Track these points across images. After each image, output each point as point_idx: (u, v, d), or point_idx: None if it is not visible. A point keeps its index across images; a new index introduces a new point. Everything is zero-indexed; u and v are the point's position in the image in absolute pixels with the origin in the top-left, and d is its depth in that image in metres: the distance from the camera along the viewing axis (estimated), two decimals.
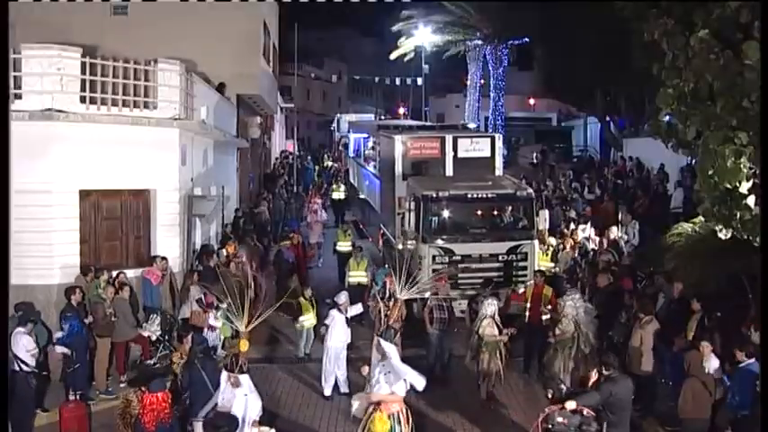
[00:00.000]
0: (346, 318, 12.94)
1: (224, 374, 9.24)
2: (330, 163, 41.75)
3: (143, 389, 9.24)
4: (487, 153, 18.27)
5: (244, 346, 9.15)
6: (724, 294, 12.64)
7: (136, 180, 14.78)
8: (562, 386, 11.37)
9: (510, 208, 16.26)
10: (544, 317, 13.50)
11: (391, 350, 9.50)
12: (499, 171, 18.32)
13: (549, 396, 9.13)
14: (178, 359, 10.76)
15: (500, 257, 15.47)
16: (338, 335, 12.77)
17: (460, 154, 18.09)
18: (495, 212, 16.38)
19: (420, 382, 9.43)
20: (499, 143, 18.74)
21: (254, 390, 9.20)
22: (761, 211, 11.59)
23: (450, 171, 18.00)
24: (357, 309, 13.35)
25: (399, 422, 9.34)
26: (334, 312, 12.95)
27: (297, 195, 29.39)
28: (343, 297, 13.15)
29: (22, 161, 12.52)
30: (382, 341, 9.61)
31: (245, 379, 9.09)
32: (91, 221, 14.34)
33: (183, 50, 17.84)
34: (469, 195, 15.90)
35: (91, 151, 13.89)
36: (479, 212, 16.31)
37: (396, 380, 9.36)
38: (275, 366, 14.29)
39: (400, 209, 17.17)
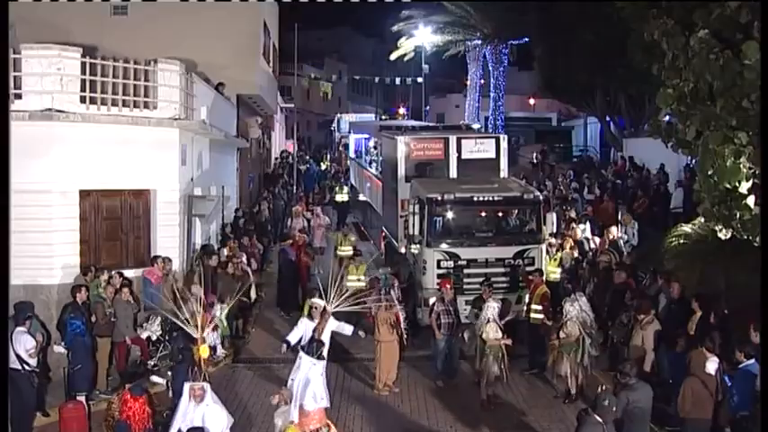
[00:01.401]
0: None
1: (186, 388, 8.45)
2: (328, 164, 41.65)
3: (126, 391, 9.17)
4: (492, 154, 17.78)
5: (204, 351, 8.73)
6: (724, 294, 12.65)
7: (136, 180, 14.80)
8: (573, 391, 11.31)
9: (517, 211, 15.85)
10: (533, 315, 13.46)
11: (305, 367, 8.99)
12: (504, 173, 17.84)
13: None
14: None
15: (506, 262, 15.09)
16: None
17: (465, 155, 17.62)
18: (502, 216, 15.90)
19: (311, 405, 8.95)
20: (504, 144, 18.22)
21: (218, 401, 8.65)
22: (761, 211, 11.59)
23: (454, 173, 17.55)
24: (332, 325, 11.62)
25: None
26: (303, 319, 12.30)
27: (297, 197, 29.33)
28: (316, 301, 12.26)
29: (22, 161, 12.48)
30: (304, 356, 9.21)
31: (207, 389, 8.50)
32: (91, 221, 14.36)
33: (183, 50, 17.88)
34: (475, 198, 15.44)
35: (91, 151, 13.92)
36: (485, 216, 15.79)
37: (318, 396, 8.92)
38: (275, 367, 14.26)
39: (403, 212, 16.83)
